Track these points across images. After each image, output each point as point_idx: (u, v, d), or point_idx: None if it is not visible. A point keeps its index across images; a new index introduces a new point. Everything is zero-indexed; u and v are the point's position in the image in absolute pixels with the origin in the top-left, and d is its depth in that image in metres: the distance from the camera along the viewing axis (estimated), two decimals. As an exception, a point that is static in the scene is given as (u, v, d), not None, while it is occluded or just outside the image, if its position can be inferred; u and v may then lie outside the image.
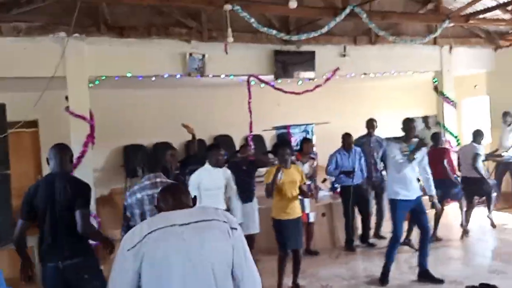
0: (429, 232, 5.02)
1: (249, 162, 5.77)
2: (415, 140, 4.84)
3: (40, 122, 8.24)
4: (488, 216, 6.78)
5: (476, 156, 6.45)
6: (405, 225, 6.04)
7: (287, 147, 4.79)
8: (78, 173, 6.06)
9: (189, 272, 1.72)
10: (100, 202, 8.15)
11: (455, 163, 6.79)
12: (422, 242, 5.02)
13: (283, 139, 5.99)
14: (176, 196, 1.93)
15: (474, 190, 6.57)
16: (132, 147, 8.97)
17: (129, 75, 6.50)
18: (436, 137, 6.65)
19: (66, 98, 6.11)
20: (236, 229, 1.84)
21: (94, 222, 5.96)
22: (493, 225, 6.74)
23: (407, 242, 6.06)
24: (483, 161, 6.80)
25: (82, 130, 6.13)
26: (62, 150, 3.28)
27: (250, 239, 5.76)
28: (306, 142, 6.22)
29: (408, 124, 4.88)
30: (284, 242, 4.61)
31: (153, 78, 6.90)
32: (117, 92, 8.55)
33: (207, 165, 4.80)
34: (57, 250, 3.10)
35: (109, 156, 9.04)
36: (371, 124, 6.52)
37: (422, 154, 4.87)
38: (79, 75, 6.11)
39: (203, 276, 1.74)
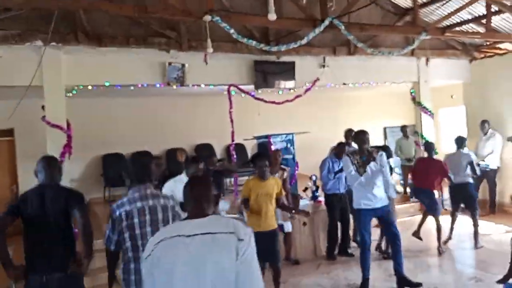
0: (399, 239, 5.03)
1: (214, 172, 5.74)
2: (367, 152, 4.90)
3: (16, 131, 8.09)
4: (474, 225, 6.65)
5: (472, 164, 6.57)
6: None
7: (265, 158, 4.73)
8: (54, 184, 5.97)
9: (191, 284, 1.77)
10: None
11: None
12: (394, 249, 5.08)
13: (262, 151, 5.96)
14: (197, 202, 2.01)
15: (460, 196, 6.63)
16: (111, 156, 8.88)
17: (107, 84, 6.43)
18: (429, 147, 6.70)
19: (43, 107, 6.01)
20: (242, 240, 1.83)
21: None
22: (476, 246, 6.56)
23: (380, 249, 6.14)
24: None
25: (59, 140, 6.02)
26: (50, 163, 3.28)
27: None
28: (274, 152, 6.11)
29: (358, 136, 4.98)
30: (258, 256, 4.49)
31: (132, 88, 6.83)
32: (96, 101, 8.46)
33: (184, 177, 4.67)
34: (45, 260, 3.04)
35: (87, 166, 8.92)
36: (348, 134, 6.58)
37: (380, 164, 4.89)
38: (56, 84, 6.02)
39: (203, 286, 1.77)
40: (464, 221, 6.95)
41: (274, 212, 4.70)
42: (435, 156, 6.69)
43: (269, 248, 4.41)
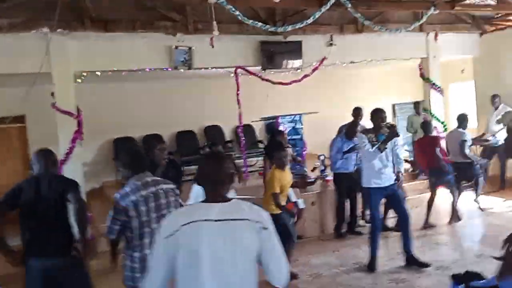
0: (408, 218, 5.08)
1: None
2: (386, 129, 4.90)
3: (28, 117, 8.20)
4: (475, 200, 6.91)
5: (463, 143, 6.54)
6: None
7: (283, 148, 4.79)
8: (67, 169, 6.10)
9: (217, 267, 1.82)
10: (91, 196, 8.17)
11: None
12: (402, 228, 5.13)
13: (275, 141, 5.95)
14: (219, 184, 1.97)
15: (462, 175, 6.66)
16: (122, 139, 8.96)
17: (114, 69, 6.47)
18: (426, 125, 6.70)
19: (52, 94, 6.08)
20: (267, 228, 1.91)
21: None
22: (481, 209, 6.86)
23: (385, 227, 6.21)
24: (470, 145, 6.88)
25: (69, 126, 6.11)
26: (45, 155, 3.34)
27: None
28: (275, 135, 6.24)
29: (375, 114, 4.97)
30: (289, 235, 4.65)
31: (140, 72, 6.86)
32: (105, 86, 8.50)
33: None
34: (43, 247, 3.13)
35: (99, 150, 9.03)
36: (357, 113, 6.55)
37: (393, 142, 4.94)
38: (64, 71, 6.08)
39: (229, 273, 1.83)
40: (471, 198, 6.95)
41: None
42: (442, 134, 6.68)
43: (285, 226, 4.63)
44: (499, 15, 8.71)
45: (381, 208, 6.09)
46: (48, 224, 3.16)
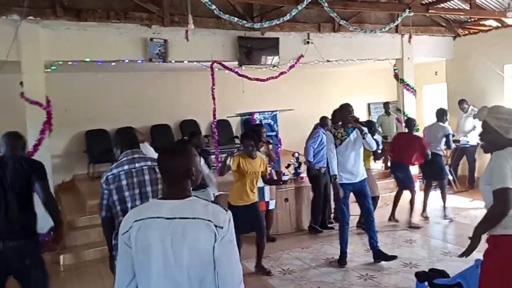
0: (372, 214, 5.22)
1: (201, 151, 5.77)
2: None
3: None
4: (445, 216, 6.87)
5: (448, 136, 6.68)
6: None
7: (251, 137, 4.85)
8: (36, 161, 5.93)
9: (167, 266, 1.77)
10: (61, 189, 8.01)
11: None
12: (367, 224, 5.23)
13: (249, 130, 5.99)
14: (175, 179, 1.89)
15: (430, 168, 6.75)
16: (95, 132, 8.80)
17: (87, 60, 6.33)
18: (410, 123, 6.78)
19: (21, 83, 5.90)
20: (222, 227, 1.80)
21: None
22: (445, 215, 6.85)
23: (361, 226, 6.29)
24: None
25: (38, 116, 5.94)
26: (13, 137, 3.35)
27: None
28: (255, 126, 6.31)
29: (342, 109, 5.09)
30: (236, 227, 4.64)
31: (113, 63, 6.73)
32: (78, 76, 8.34)
33: None
34: (4, 228, 3.08)
35: (70, 142, 8.85)
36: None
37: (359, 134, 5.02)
38: (34, 59, 5.89)
39: (178, 271, 1.77)
40: (438, 196, 7.10)
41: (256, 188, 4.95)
42: (415, 133, 6.79)
43: (252, 218, 4.77)
44: (472, 19, 8.92)
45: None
46: (10, 206, 3.11)
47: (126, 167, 3.06)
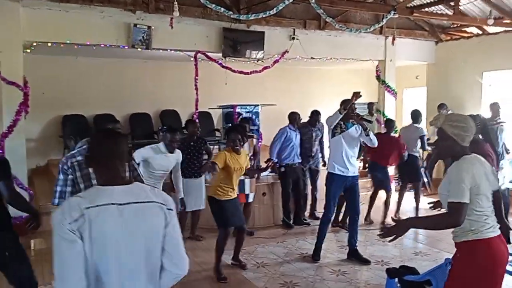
0: (358, 214, 5.26)
1: (196, 138, 5.74)
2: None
3: (-30, 86, 7.71)
4: (417, 209, 6.95)
5: (423, 138, 6.77)
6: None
7: (238, 132, 4.73)
8: (10, 143, 5.81)
9: (123, 252, 1.71)
10: (35, 173, 7.84)
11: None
12: (352, 222, 5.27)
13: (238, 124, 5.97)
14: (119, 164, 1.82)
15: (407, 169, 6.83)
16: (72, 117, 8.62)
17: (68, 42, 6.19)
18: (389, 124, 6.80)
19: (-2, 62, 5.75)
20: (172, 210, 1.85)
21: (25, 194, 5.74)
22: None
23: (342, 225, 6.35)
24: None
25: (15, 97, 5.80)
26: None
27: (195, 215, 5.82)
28: (242, 121, 6.30)
29: (344, 103, 5.05)
30: (225, 221, 4.66)
31: (94, 47, 6.61)
32: (57, 59, 8.16)
33: (162, 147, 4.72)
34: None
35: (46, 126, 8.66)
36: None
37: (358, 131, 5.07)
38: (13, 39, 5.74)
39: (136, 258, 1.74)
40: (412, 197, 7.23)
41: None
42: (393, 134, 6.87)
43: (237, 212, 4.77)
44: (455, 25, 9.09)
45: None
46: None
47: (78, 158, 3.06)
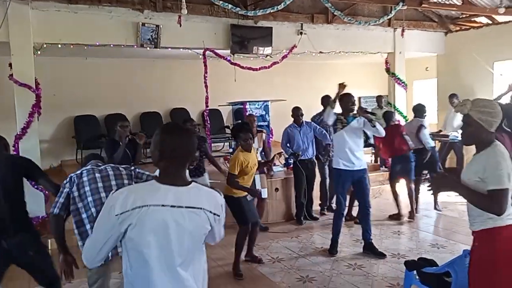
0: (369, 207, 5.20)
1: (199, 137, 5.74)
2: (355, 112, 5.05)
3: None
4: (436, 208, 6.96)
5: (420, 127, 6.64)
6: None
7: (249, 131, 4.73)
8: (24, 145, 5.87)
9: (168, 255, 1.75)
10: (49, 174, 7.84)
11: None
12: (363, 217, 5.23)
13: (242, 122, 5.96)
14: (181, 162, 1.81)
15: (424, 162, 6.71)
16: (84, 117, 8.67)
17: (77, 43, 6.22)
18: (388, 115, 6.78)
19: (10, 65, 5.79)
20: (219, 216, 1.89)
21: (41, 195, 5.79)
22: (436, 209, 6.94)
23: (350, 218, 6.32)
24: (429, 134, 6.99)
25: (27, 99, 5.85)
26: None
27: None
28: (249, 117, 6.28)
29: (344, 98, 5.04)
30: (245, 217, 4.67)
31: (103, 48, 6.63)
32: (67, 60, 8.20)
33: None
34: (3, 227, 3.07)
35: (59, 127, 8.72)
36: (326, 100, 6.59)
37: (359, 123, 5.03)
38: (24, 41, 5.78)
39: (180, 261, 1.77)
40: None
41: None
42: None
43: (252, 208, 4.86)
44: (464, 15, 8.99)
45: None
46: (7, 205, 3.09)
47: (98, 173, 3.03)
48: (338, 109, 5.09)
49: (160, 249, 1.73)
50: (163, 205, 1.73)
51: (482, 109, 2.42)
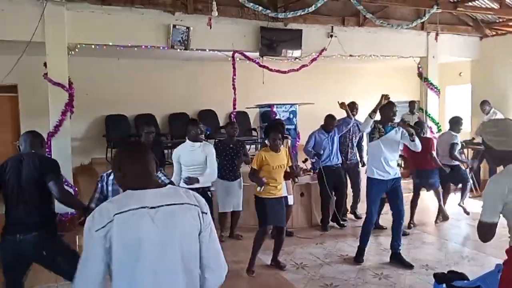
0: (402, 217, 5.10)
1: (236, 141, 5.76)
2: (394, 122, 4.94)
3: (20, 87, 8.05)
4: (459, 204, 6.85)
5: (452, 145, 6.50)
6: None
7: (278, 131, 4.71)
8: (56, 142, 6.02)
9: (158, 255, 1.70)
10: (80, 171, 8.09)
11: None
12: (395, 226, 5.10)
13: (277, 121, 5.94)
14: (147, 169, 1.85)
15: (449, 177, 6.64)
16: (114, 117, 8.84)
17: (110, 44, 6.35)
18: (420, 126, 6.59)
19: (45, 64, 5.96)
20: (206, 213, 1.83)
21: (70, 191, 5.92)
22: (466, 212, 6.85)
23: (377, 226, 6.18)
24: (460, 149, 6.86)
25: (60, 98, 6.01)
26: (32, 135, 3.41)
27: (234, 216, 5.86)
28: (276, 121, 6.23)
29: (387, 106, 4.91)
30: (265, 218, 4.65)
31: (135, 49, 6.74)
32: (99, 61, 8.37)
33: (187, 141, 4.83)
34: (20, 222, 3.15)
35: (90, 125, 8.91)
36: (352, 107, 6.52)
37: (397, 134, 4.93)
38: (58, 41, 5.95)
39: (172, 261, 1.73)
40: (457, 200, 6.96)
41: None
42: (435, 134, 6.65)
43: (280, 212, 4.74)
44: (501, 20, 8.69)
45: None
46: (25, 201, 3.17)
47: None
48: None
49: (149, 252, 1.70)
50: (142, 207, 1.71)
51: (487, 130, 2.49)
